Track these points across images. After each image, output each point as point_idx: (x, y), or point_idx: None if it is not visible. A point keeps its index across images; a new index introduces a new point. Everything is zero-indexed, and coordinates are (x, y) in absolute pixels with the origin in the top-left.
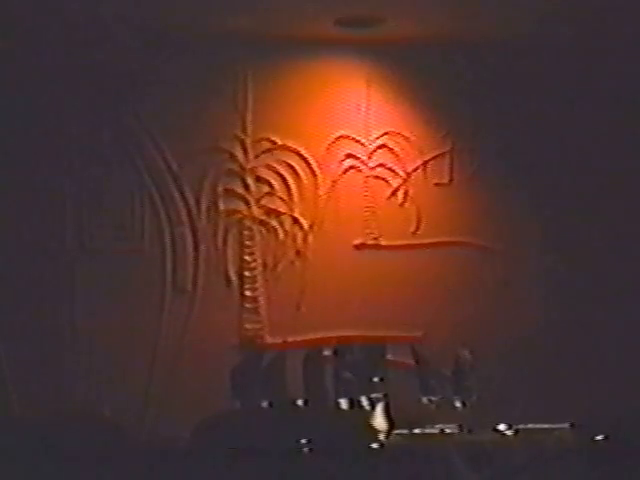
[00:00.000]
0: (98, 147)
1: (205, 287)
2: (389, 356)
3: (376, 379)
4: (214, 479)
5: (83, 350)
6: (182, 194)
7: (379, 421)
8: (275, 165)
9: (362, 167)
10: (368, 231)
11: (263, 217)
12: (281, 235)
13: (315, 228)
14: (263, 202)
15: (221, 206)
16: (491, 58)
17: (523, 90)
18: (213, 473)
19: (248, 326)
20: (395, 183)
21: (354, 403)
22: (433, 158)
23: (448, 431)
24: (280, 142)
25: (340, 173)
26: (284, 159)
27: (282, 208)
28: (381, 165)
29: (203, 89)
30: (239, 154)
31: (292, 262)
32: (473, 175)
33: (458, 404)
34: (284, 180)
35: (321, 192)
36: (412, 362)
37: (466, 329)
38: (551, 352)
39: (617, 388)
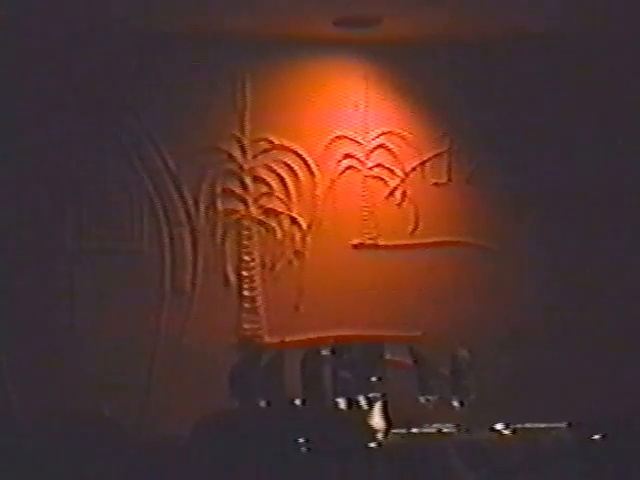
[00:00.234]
0: (97, 147)
1: (204, 287)
2: (387, 356)
3: (374, 379)
4: (213, 478)
5: (83, 350)
6: (180, 194)
7: (377, 420)
8: (273, 165)
9: (360, 167)
10: (366, 231)
11: (261, 217)
12: (279, 235)
13: (313, 228)
14: (261, 202)
15: (219, 206)
16: (489, 58)
17: (522, 90)
18: (212, 472)
19: (246, 326)
20: (393, 183)
21: (352, 402)
22: (431, 158)
23: (446, 430)
24: (278, 142)
25: (338, 173)
26: (282, 159)
27: (280, 208)
28: (379, 165)
29: (201, 89)
30: (237, 154)
31: (290, 262)
32: (471, 175)
33: (456, 403)
34: (282, 180)
35: (319, 192)
36: (410, 362)
37: (464, 329)
38: (549, 352)
39: (614, 388)
